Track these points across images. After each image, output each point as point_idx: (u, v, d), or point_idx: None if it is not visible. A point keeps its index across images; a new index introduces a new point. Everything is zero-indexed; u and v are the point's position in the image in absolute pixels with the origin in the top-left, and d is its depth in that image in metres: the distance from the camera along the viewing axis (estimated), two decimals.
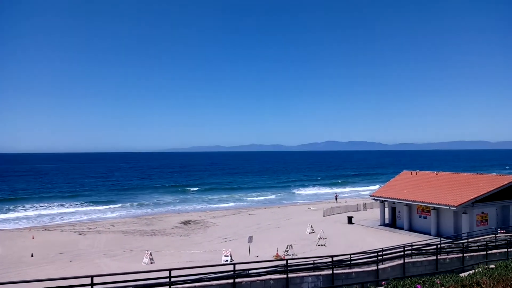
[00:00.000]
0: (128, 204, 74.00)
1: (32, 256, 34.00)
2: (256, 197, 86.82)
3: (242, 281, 16.29)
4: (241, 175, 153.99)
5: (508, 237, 32.91)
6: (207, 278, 16.37)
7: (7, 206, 69.40)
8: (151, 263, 30.31)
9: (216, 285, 15.77)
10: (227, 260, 29.11)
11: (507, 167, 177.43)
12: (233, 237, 40.94)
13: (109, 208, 69.70)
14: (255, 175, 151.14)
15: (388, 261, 21.30)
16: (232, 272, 16.78)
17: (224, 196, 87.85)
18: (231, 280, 15.93)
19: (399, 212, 42.03)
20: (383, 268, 20.25)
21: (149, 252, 31.23)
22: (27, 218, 59.30)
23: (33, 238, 41.78)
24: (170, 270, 14.16)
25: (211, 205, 73.83)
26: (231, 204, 76.00)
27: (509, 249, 26.41)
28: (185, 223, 51.62)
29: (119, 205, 72.71)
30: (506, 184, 36.31)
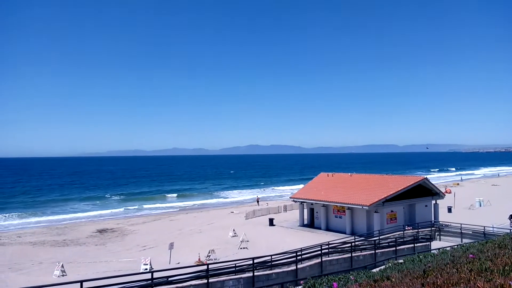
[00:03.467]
0: (37, 212, 68.53)
1: None
2: (178, 202, 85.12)
3: None
4: (161, 180, 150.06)
5: (415, 233, 35.65)
6: None
7: None
8: (63, 275, 28.23)
9: None
10: (146, 269, 28.01)
11: (432, 170, 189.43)
12: (153, 244, 39.62)
13: (15, 217, 64.00)
14: (176, 180, 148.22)
15: (306, 261, 21.91)
16: (150, 281, 16.17)
17: (144, 202, 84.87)
18: None
19: (317, 212, 43.63)
20: (302, 268, 20.79)
21: (61, 264, 29.05)
22: None
23: None
24: (81, 281, 13.27)
25: (130, 212, 70.90)
26: (151, 210, 73.65)
27: (415, 245, 28.56)
28: (101, 231, 48.97)
29: (27, 213, 67.02)
30: (412, 184, 39.38)
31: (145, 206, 79.23)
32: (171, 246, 32.13)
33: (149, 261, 29.06)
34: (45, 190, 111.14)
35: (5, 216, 65.15)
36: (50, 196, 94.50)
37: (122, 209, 73.86)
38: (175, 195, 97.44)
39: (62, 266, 28.84)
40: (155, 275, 16.83)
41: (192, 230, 47.11)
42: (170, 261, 30.86)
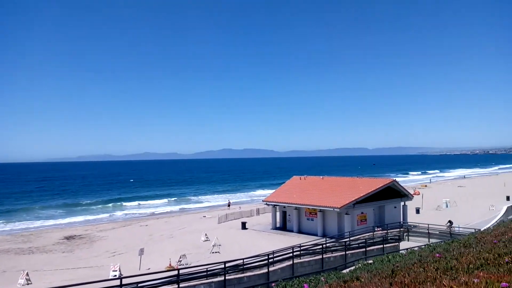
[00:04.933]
0: (1, 220, 65.96)
1: None
2: (148, 207, 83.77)
3: None
4: (132, 185, 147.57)
5: (384, 234, 36.24)
6: None
7: None
8: (28, 283, 27.24)
9: None
10: (115, 275, 27.35)
11: (401, 172, 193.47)
12: (123, 250, 38.78)
13: None
14: (148, 185, 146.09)
15: (278, 263, 21.90)
16: (119, 287, 15.78)
17: (114, 207, 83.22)
18: None
19: (289, 215, 43.79)
20: (274, 270, 20.76)
21: (26, 272, 28.02)
22: None
23: None
24: None
25: (99, 218, 69.23)
26: (121, 215, 72.21)
27: (384, 245, 29.03)
28: (69, 238, 47.59)
29: None
30: (381, 187, 40.09)
31: (114, 212, 77.60)
32: (141, 251, 31.52)
33: (118, 267, 28.40)
34: (13, 197, 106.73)
35: None
36: (16, 203, 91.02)
37: (91, 215, 72.02)
38: (145, 200, 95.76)
39: (27, 274, 27.83)
40: (124, 281, 16.44)
41: (162, 235, 46.40)
42: (140, 267, 30.26)
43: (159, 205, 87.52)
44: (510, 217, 31.07)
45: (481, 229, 21.30)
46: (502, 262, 6.29)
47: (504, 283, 4.39)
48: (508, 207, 39.02)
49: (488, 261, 6.68)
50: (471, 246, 9.59)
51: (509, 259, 6.34)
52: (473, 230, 28.23)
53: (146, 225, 56.06)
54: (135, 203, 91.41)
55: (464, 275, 5.87)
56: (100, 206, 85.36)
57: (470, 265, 6.66)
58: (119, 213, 75.46)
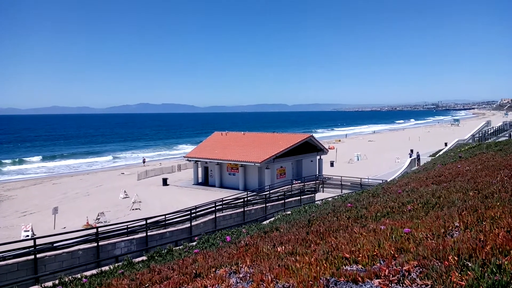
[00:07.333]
0: None
1: None
2: (61, 165, 79.23)
3: (45, 256, 14.80)
4: (41, 142, 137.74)
5: (301, 186, 38.21)
6: (1, 257, 14.27)
7: None
8: None
9: (13, 263, 13.96)
10: (27, 236, 25.95)
11: (318, 128, 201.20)
12: (35, 210, 36.69)
13: None
14: (59, 141, 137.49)
15: (201, 218, 22.28)
16: (32, 248, 15.07)
17: (22, 165, 77.54)
18: (31, 256, 14.29)
19: (211, 171, 44.22)
20: (196, 225, 21.11)
21: None
22: None
23: None
24: None
25: (4, 177, 64.26)
26: (31, 174, 67.67)
27: (302, 197, 30.69)
28: None
29: None
30: (300, 142, 41.78)
31: (24, 170, 72.50)
32: (55, 210, 30.06)
33: (30, 227, 26.95)
34: None
35: None
36: None
37: None
38: (57, 158, 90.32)
39: None
40: (38, 241, 15.70)
41: (78, 193, 44.55)
42: (54, 227, 29.00)
43: (73, 162, 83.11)
44: (413, 168, 34.20)
45: (388, 180, 23.29)
46: (405, 210, 7.00)
47: (406, 229, 4.91)
48: (411, 159, 42.77)
49: (393, 209, 7.39)
50: (378, 196, 10.50)
51: (412, 207, 7.07)
52: (380, 181, 30.84)
53: (59, 183, 53.30)
54: (46, 161, 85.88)
55: (372, 222, 6.47)
56: (7, 164, 78.91)
57: (378, 213, 7.33)
58: (29, 172, 70.58)
